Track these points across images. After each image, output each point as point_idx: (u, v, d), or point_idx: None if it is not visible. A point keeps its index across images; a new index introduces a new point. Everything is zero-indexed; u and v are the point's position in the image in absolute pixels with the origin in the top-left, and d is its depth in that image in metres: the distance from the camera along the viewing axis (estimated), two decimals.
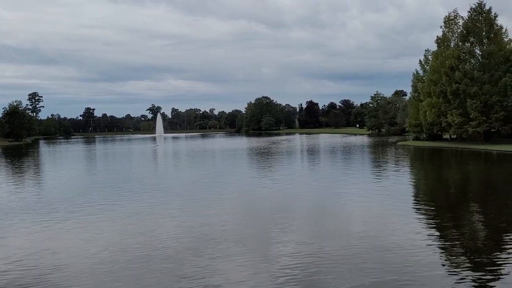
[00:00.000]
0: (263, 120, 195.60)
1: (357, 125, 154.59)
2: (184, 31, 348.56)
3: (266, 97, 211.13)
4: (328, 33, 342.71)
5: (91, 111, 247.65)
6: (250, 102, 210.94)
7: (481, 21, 56.63)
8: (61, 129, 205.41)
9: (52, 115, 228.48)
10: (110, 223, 17.03)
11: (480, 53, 57.14)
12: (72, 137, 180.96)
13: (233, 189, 25.75)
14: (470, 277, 10.43)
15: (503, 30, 57.03)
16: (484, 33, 56.31)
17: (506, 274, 10.61)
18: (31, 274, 11.31)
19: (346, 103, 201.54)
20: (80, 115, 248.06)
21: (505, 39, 56.99)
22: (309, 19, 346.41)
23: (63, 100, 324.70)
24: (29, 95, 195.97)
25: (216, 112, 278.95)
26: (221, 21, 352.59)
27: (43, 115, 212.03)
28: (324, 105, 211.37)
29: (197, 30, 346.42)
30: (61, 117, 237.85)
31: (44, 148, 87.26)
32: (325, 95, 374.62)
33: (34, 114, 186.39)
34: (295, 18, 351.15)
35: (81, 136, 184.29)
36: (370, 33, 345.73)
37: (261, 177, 31.20)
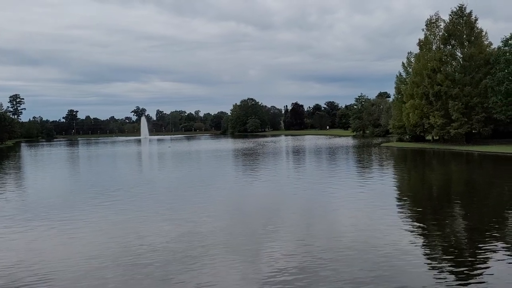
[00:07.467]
0: (249, 122, 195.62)
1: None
2: (172, 32, 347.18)
3: (251, 99, 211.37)
4: (315, 35, 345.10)
5: (74, 113, 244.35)
6: (236, 104, 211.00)
7: (462, 24, 57.64)
8: (43, 132, 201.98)
9: (34, 117, 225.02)
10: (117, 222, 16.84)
11: (461, 56, 58.14)
12: (55, 139, 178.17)
13: (226, 189, 25.73)
14: (451, 275, 10.61)
15: (483, 33, 58.17)
16: (465, 36, 57.31)
17: (481, 273, 10.82)
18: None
19: (331, 105, 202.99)
20: (63, 118, 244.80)
21: (485, 42, 58.10)
22: (297, 21, 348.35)
23: (45, 102, 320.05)
24: (10, 97, 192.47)
25: (201, 114, 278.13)
26: (210, 22, 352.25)
27: (24, 118, 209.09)
28: (309, 107, 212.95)
29: (184, 32, 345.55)
30: (43, 119, 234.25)
31: (28, 151, 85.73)
32: (311, 97, 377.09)
33: (16, 116, 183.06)
34: (283, 19, 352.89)
35: (64, 139, 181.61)
36: (357, 35, 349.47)
37: (251, 178, 31.18)
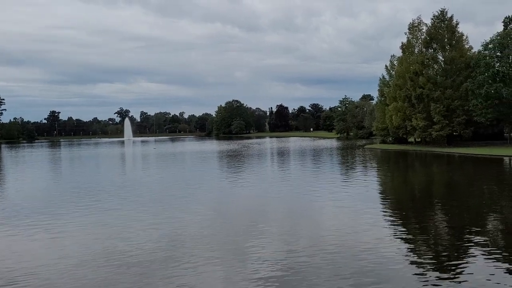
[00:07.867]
0: (234, 123, 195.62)
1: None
2: (158, 33, 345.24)
3: (236, 101, 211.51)
4: (301, 37, 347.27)
5: (56, 114, 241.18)
6: (221, 105, 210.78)
7: (444, 28, 58.74)
8: (24, 133, 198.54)
9: (15, 118, 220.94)
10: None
11: (443, 59, 59.19)
12: (36, 141, 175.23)
13: (210, 190, 25.68)
14: (431, 275, 10.81)
15: (464, 37, 59.37)
16: (446, 40, 58.38)
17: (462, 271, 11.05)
18: None
19: (316, 107, 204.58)
20: (45, 119, 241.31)
21: (466, 45, 59.26)
22: (284, 23, 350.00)
23: (27, 102, 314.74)
24: None
25: (186, 116, 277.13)
26: (196, 23, 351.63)
27: (5, 119, 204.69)
28: (294, 109, 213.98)
29: (170, 33, 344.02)
30: (24, 120, 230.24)
31: (9, 153, 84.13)
32: (296, 98, 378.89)
33: None
34: (270, 22, 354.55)
35: (46, 140, 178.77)
36: (343, 38, 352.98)
37: (236, 180, 31.18)
